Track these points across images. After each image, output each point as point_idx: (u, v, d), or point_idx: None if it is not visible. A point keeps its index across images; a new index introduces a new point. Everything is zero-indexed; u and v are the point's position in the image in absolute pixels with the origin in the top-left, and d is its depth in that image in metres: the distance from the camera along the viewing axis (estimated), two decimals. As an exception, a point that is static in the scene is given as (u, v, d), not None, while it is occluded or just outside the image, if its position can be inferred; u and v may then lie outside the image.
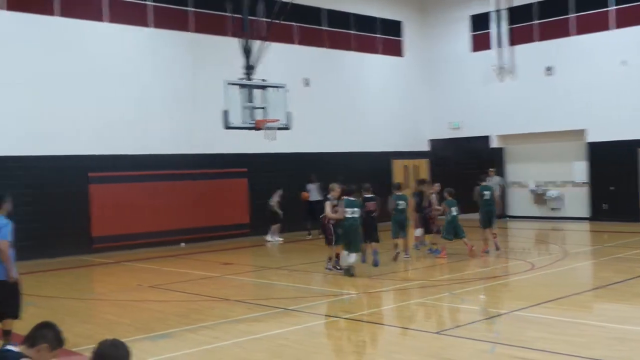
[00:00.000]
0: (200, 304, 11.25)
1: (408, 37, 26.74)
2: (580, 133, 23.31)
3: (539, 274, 13.24)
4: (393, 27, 26.26)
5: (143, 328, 9.46)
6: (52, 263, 16.24)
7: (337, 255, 13.87)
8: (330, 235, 13.91)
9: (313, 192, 21.27)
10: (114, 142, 18.55)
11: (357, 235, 13.37)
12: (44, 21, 17.57)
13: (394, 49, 26.31)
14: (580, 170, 23.59)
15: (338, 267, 13.74)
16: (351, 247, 13.21)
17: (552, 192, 24.12)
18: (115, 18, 18.86)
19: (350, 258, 13.22)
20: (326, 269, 13.99)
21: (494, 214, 16.21)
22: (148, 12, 19.48)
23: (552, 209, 24.26)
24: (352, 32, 24.78)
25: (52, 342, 4.62)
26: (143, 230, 18.81)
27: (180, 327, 9.45)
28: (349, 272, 13.18)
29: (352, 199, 13.49)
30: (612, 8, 22.54)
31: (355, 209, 13.30)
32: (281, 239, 20.07)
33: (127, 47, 19.15)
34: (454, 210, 15.38)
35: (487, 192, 16.19)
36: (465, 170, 24.56)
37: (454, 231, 15.36)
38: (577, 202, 23.66)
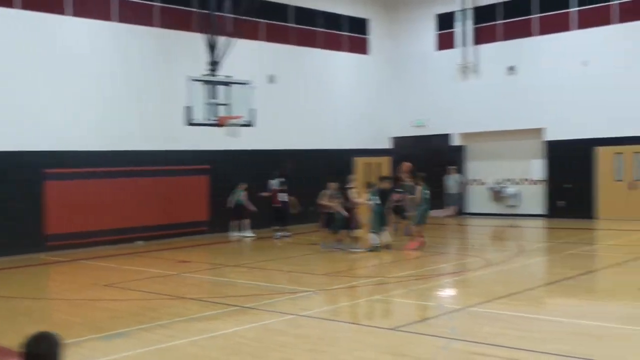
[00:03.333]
0: (156, 302, 11.13)
1: (374, 35, 26.79)
2: (538, 132, 23.64)
3: (495, 270, 13.39)
4: (359, 25, 26.29)
5: (97, 327, 9.31)
6: (3, 262, 15.86)
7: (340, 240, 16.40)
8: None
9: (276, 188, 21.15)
10: (72, 138, 18.21)
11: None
12: (5, 14, 17.13)
13: (360, 47, 26.34)
14: (537, 168, 23.94)
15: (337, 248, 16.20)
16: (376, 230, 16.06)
17: (510, 190, 24.43)
18: (79, 11, 18.53)
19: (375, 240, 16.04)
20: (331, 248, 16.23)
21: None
22: (112, 6, 19.18)
23: (510, 206, 24.56)
24: (318, 29, 24.74)
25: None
26: (100, 227, 18.48)
27: (135, 326, 9.31)
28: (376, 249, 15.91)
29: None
30: (574, 9, 22.88)
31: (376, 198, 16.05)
32: (254, 235, 20.11)
33: (90, 41, 18.82)
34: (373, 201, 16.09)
35: (427, 192, 16.61)
36: (431, 168, 24.79)
37: (381, 222, 16.18)
38: (534, 199, 23.99)
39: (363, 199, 16.35)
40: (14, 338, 8.69)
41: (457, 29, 25.38)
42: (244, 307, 10.40)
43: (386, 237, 16.22)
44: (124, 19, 19.38)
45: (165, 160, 19.97)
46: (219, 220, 20.61)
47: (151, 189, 19.56)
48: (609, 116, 22.00)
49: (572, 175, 22.95)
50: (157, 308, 10.56)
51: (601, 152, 22.37)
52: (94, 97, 18.69)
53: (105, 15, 19.04)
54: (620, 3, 21.94)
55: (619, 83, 21.82)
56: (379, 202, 16.05)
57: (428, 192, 16.47)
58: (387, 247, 16.07)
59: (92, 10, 18.79)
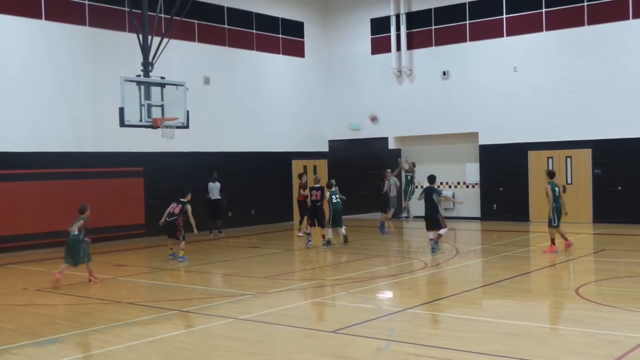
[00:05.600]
0: (91, 307, 10.87)
1: (310, 38, 26.88)
2: (473, 136, 24.14)
3: (433, 272, 13.61)
4: (295, 28, 26.32)
5: (29, 333, 9.01)
6: None
7: (324, 236, 17.30)
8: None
9: (214, 191, 21.13)
10: (1, 139, 17.65)
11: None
12: None
13: (296, 50, 26.37)
14: (472, 171, 24.45)
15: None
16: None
17: (446, 193, 24.81)
18: (6, 8, 17.94)
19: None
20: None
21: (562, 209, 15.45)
22: (41, 3, 18.63)
23: (445, 208, 24.93)
24: (254, 31, 24.66)
25: None
26: (31, 231, 17.96)
27: (69, 331, 9.07)
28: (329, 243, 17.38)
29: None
30: (505, 16, 23.48)
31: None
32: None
33: (18, 39, 18.24)
34: (334, 199, 17.67)
35: (557, 189, 15.63)
36: (368, 171, 25.04)
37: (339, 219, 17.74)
38: (469, 202, 24.46)
39: (326, 197, 17.42)
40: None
41: (392, 33, 25.70)
42: (182, 311, 10.26)
43: (342, 232, 17.72)
44: (53, 17, 18.87)
45: (97, 162, 19.54)
46: (156, 223, 20.25)
47: (83, 192, 19.05)
48: (540, 120, 22.65)
49: (506, 178, 23.52)
50: (92, 313, 10.33)
51: (534, 156, 23.00)
52: (22, 97, 18.18)
53: (33, 13, 18.49)
54: (547, 11, 22.65)
55: (548, 88, 22.51)
56: (338, 199, 17.52)
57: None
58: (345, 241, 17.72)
59: (20, 7, 18.23)
